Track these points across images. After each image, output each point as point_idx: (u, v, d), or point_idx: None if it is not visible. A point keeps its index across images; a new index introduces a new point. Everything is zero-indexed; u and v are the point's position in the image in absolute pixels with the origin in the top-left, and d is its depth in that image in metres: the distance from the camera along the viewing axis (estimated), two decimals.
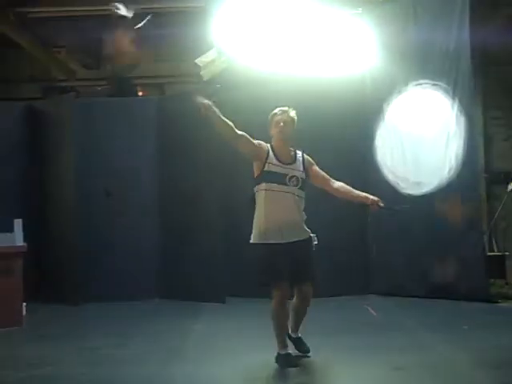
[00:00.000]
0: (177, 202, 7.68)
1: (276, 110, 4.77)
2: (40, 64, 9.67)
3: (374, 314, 6.43)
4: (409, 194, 7.20)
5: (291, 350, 4.67)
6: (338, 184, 4.84)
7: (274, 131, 4.73)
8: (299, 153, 4.77)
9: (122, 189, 7.79)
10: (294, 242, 4.61)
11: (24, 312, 6.48)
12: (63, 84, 9.87)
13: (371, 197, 4.82)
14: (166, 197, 7.82)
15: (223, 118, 4.49)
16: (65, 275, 7.63)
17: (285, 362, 4.56)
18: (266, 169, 4.62)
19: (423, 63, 7.20)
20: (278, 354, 4.60)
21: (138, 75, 9.80)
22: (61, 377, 4.47)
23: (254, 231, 4.70)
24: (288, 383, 4.35)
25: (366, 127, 7.56)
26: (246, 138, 4.61)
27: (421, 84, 7.23)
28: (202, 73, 8.57)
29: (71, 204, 7.68)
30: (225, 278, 7.24)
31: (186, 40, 8.65)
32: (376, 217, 7.40)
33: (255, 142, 4.66)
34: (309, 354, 4.82)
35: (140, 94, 9.91)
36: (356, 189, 4.90)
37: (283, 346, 4.60)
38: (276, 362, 4.58)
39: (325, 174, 4.84)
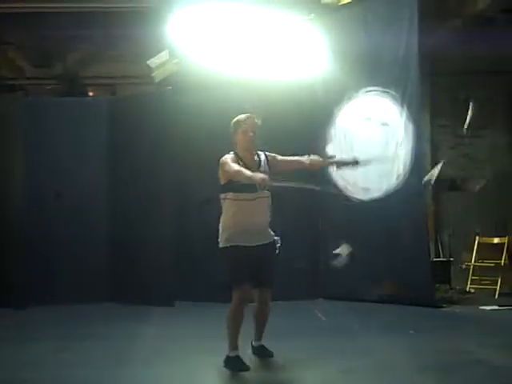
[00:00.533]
0: (127, 205, 7.61)
1: (242, 117, 4.71)
2: None
3: (323, 318, 6.48)
4: (357, 199, 7.30)
5: (241, 353, 4.65)
6: (309, 159, 4.88)
7: (241, 139, 4.67)
8: (261, 154, 4.77)
9: (72, 190, 7.67)
10: (260, 245, 4.65)
11: None
12: (11, 82, 9.66)
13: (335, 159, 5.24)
14: (116, 199, 7.73)
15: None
16: (13, 278, 7.43)
17: (233, 364, 4.57)
18: (236, 179, 4.54)
19: (373, 70, 7.31)
20: (227, 356, 4.60)
21: (89, 75, 9.68)
22: (1, 381, 4.38)
23: (221, 236, 4.69)
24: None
25: (316, 132, 7.63)
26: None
27: (371, 91, 7.35)
28: (153, 74, 8.54)
29: (19, 205, 7.51)
30: (174, 281, 7.21)
31: (138, 41, 8.58)
32: (327, 220, 7.52)
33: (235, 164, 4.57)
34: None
35: (90, 94, 9.78)
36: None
37: (233, 348, 4.59)
38: (224, 366, 4.58)
39: (292, 158, 4.88)
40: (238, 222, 4.60)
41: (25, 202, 7.47)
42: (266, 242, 4.70)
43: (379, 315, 6.54)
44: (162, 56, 8.39)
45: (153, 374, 4.58)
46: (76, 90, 9.39)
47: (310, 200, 7.41)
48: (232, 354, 4.58)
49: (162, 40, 8.12)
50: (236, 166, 4.52)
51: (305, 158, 4.89)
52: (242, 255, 4.58)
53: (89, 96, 9.57)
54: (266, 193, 4.68)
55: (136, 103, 7.84)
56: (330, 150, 7.58)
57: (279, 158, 4.85)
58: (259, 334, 4.92)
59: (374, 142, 7.27)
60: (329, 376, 4.46)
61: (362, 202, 7.26)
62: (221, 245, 4.68)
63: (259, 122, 4.70)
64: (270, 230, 4.77)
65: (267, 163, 4.75)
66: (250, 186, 4.54)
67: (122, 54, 9.47)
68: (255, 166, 4.66)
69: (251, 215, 4.61)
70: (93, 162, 7.82)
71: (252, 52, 7.76)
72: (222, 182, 4.65)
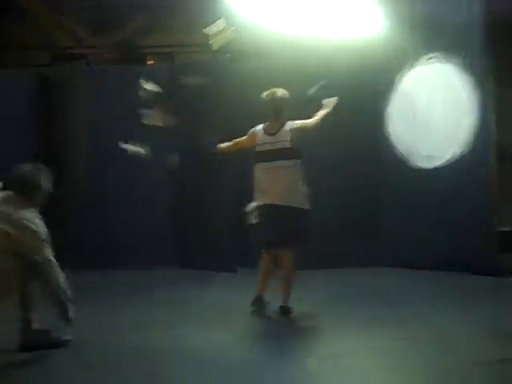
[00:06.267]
0: (190, 172, 7.66)
1: (265, 93, 5.32)
2: (50, 31, 9.60)
3: (383, 285, 6.45)
4: (420, 168, 7.20)
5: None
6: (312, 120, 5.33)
7: (266, 111, 5.29)
8: (289, 123, 5.21)
9: (135, 158, 7.75)
10: (282, 205, 5.04)
11: None
12: (72, 51, 9.79)
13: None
14: (180, 164, 7.76)
15: (226, 147, 5.51)
16: (79, 242, 7.62)
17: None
18: (256, 150, 5.23)
19: (436, 36, 7.13)
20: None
21: (147, 44, 9.75)
22: (81, 343, 4.47)
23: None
24: (283, 349, 4.33)
25: (377, 100, 7.51)
26: (241, 143, 5.43)
27: (433, 57, 7.19)
28: (211, 42, 8.51)
29: (83, 170, 7.66)
30: (236, 247, 7.24)
31: (195, 9, 8.58)
32: (388, 188, 7.44)
33: (245, 138, 5.39)
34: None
35: (149, 62, 9.85)
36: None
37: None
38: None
39: (303, 122, 5.26)
40: (260, 188, 5.22)
41: (88, 169, 7.61)
42: (287, 204, 5.05)
43: (440, 284, 6.44)
44: (220, 24, 8.33)
45: (213, 338, 4.64)
46: (134, 58, 9.47)
47: (370, 168, 7.35)
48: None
49: (219, 8, 8.07)
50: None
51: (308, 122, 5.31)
52: (262, 215, 5.13)
53: (147, 65, 9.63)
54: (285, 162, 5.10)
55: (194, 71, 7.85)
56: (392, 117, 7.50)
57: (296, 125, 5.25)
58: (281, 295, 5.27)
59: (437, 110, 7.13)
60: (389, 344, 4.40)
61: (424, 170, 7.15)
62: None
63: (283, 95, 5.27)
64: (296, 195, 5.12)
65: (289, 131, 5.17)
66: (265, 157, 5.18)
67: (180, 23, 9.49)
68: (274, 131, 5.23)
69: (270, 183, 5.12)
70: (153, 127, 7.84)
71: (311, 17, 7.64)
72: None
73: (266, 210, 5.11)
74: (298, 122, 5.22)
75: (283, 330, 4.90)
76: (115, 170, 7.73)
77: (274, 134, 5.17)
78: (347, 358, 4.10)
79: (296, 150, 5.14)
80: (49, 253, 4.19)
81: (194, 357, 4.17)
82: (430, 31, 7.15)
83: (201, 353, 4.26)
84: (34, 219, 4.20)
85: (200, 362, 4.07)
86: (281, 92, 5.26)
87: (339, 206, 7.21)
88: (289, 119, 5.26)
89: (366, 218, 7.37)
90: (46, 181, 4.37)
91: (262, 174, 5.17)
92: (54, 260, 4.22)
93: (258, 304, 5.29)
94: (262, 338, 4.72)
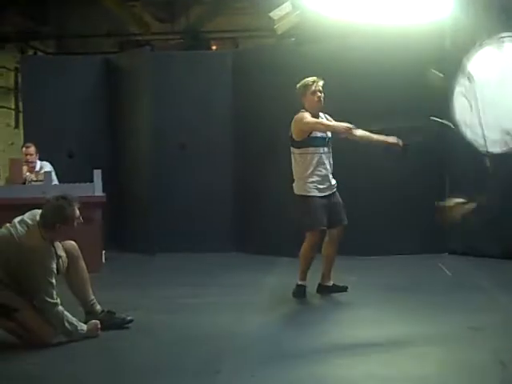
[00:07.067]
0: (252, 156, 7.68)
1: (310, 79, 5.41)
2: (116, 18, 9.76)
3: (449, 273, 6.33)
4: (487, 152, 7.00)
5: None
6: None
7: (310, 100, 5.37)
8: (323, 115, 5.37)
9: (196, 141, 7.85)
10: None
11: (103, 260, 6.69)
12: (138, 38, 9.94)
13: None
14: (241, 151, 7.82)
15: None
16: (142, 226, 7.80)
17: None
18: None
19: (508, 14, 6.89)
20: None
21: (212, 29, 9.79)
22: (136, 323, 4.57)
23: None
24: (347, 339, 4.32)
25: (444, 82, 7.32)
26: None
27: (504, 37, 6.96)
28: (276, 26, 8.48)
29: (147, 155, 7.81)
30: (298, 232, 7.23)
31: None
32: (453, 173, 7.28)
33: None
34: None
35: (213, 47, 9.91)
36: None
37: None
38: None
39: (306, 117, 5.32)
40: None
41: (153, 154, 7.75)
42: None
43: (508, 272, 6.26)
44: (285, 8, 8.29)
45: (273, 322, 4.72)
46: (199, 43, 9.55)
47: (435, 152, 7.20)
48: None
49: None
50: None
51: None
52: None
53: (212, 49, 9.69)
54: (292, 149, 5.36)
55: (259, 55, 7.85)
56: (459, 102, 7.30)
57: (294, 120, 5.40)
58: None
59: (507, 92, 6.90)
60: (459, 332, 4.33)
61: (492, 155, 6.95)
62: None
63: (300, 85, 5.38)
64: (296, 184, 5.45)
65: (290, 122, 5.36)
66: None
67: (244, 7, 9.49)
68: None
69: None
70: (216, 113, 7.93)
71: (376, 1, 7.50)
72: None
73: None
74: (301, 116, 5.27)
75: (339, 315, 4.97)
76: (179, 156, 7.83)
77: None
78: (409, 346, 4.08)
79: (293, 139, 5.30)
80: (47, 292, 4.07)
81: (248, 341, 4.25)
82: (503, 9, 6.93)
83: (256, 337, 4.34)
84: (43, 252, 4.09)
85: (252, 347, 4.13)
86: (300, 82, 5.38)
87: (403, 192, 7.10)
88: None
89: (430, 202, 7.22)
90: (69, 214, 4.14)
91: None
92: (52, 300, 4.09)
93: (321, 290, 5.46)
94: (322, 324, 4.71)
